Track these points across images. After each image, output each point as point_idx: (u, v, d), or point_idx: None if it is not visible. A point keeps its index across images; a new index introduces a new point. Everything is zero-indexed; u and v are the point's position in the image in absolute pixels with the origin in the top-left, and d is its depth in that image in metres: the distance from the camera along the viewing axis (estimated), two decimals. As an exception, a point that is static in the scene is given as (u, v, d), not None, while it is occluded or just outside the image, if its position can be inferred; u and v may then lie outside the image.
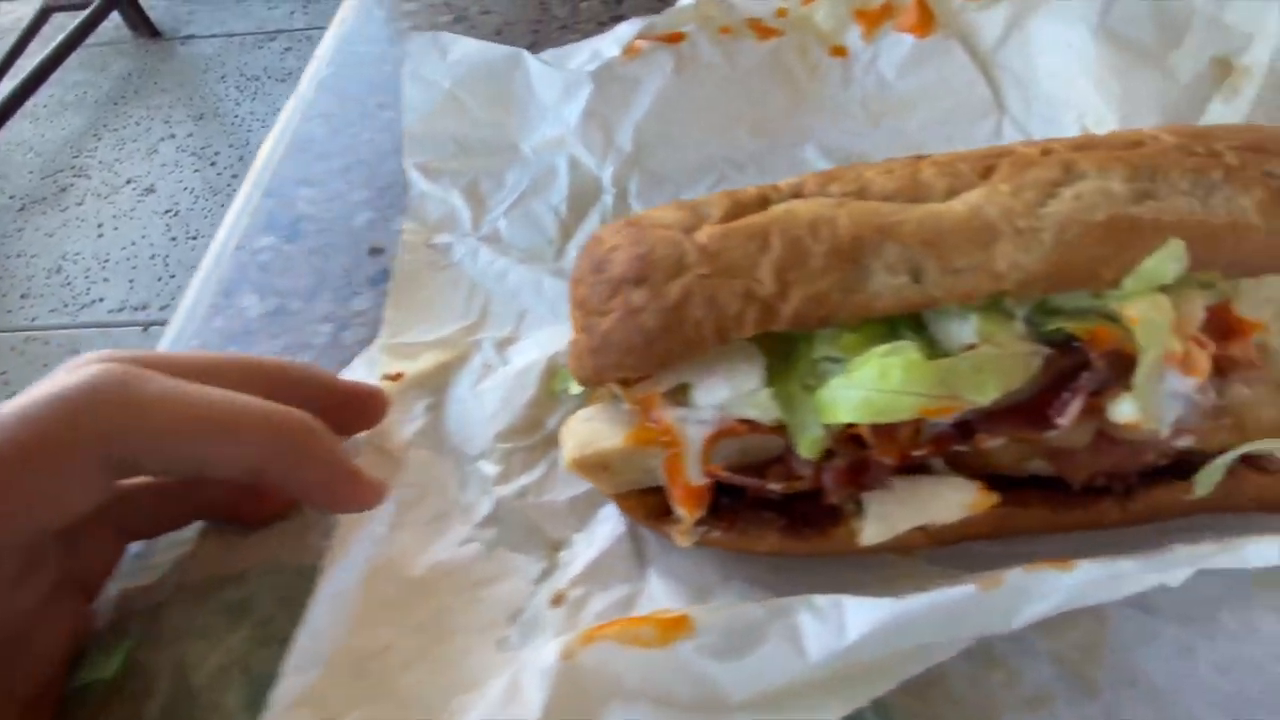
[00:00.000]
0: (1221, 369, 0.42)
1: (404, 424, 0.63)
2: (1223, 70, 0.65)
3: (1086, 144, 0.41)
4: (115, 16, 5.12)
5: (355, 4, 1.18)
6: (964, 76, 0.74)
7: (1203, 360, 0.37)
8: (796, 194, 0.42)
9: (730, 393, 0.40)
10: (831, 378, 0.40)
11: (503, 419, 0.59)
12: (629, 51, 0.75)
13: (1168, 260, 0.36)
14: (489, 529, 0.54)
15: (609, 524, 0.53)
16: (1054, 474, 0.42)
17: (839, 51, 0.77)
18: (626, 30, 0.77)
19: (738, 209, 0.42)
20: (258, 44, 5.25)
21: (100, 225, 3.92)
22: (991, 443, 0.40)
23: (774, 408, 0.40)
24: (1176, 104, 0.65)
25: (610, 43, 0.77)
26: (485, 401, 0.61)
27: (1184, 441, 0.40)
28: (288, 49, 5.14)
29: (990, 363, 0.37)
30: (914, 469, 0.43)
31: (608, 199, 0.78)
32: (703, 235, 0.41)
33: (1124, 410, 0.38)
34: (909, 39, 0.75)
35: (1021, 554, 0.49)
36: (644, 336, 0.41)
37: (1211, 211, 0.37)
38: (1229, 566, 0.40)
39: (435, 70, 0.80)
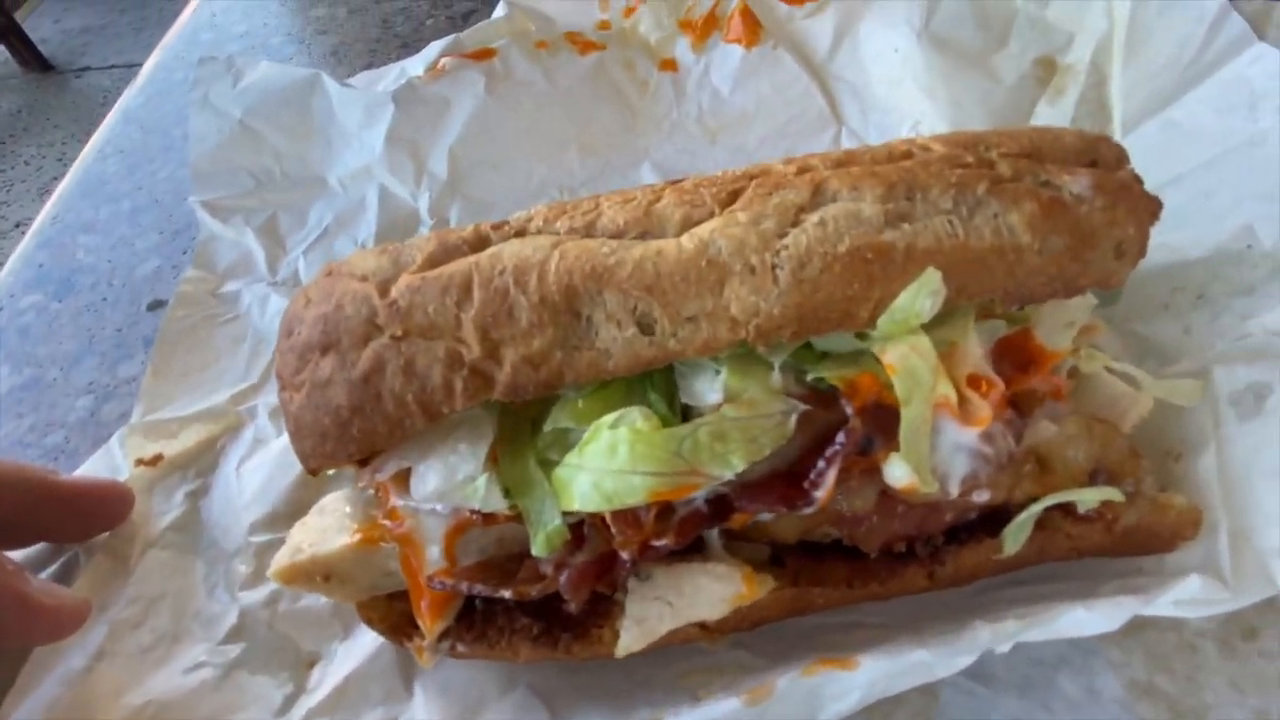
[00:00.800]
0: (1022, 406, 0.36)
1: (159, 517, 0.53)
2: (1047, 70, 0.62)
3: (848, 159, 0.35)
4: (3, 51, 4.80)
5: (181, 28, 1.08)
6: (798, 87, 0.69)
7: (983, 408, 0.32)
8: (521, 231, 0.35)
9: (442, 480, 0.33)
10: (570, 453, 0.33)
11: (261, 505, 0.50)
12: (433, 71, 0.68)
13: (921, 295, 0.30)
14: (231, 646, 0.45)
15: (378, 627, 0.45)
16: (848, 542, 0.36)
17: (669, 65, 0.71)
18: (433, 48, 0.69)
19: (444, 253, 0.34)
20: (161, 75, 4.98)
21: (-16, 275, 3.61)
22: (757, 518, 0.33)
23: (496, 496, 0.33)
24: (1003, 107, 0.62)
25: (417, 62, 0.70)
26: (246, 484, 0.52)
27: (981, 497, 0.34)
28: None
29: (735, 428, 0.31)
30: (690, 548, 0.36)
31: (425, 231, 0.71)
32: (397, 288, 0.33)
33: (896, 473, 0.32)
34: (739, 50, 0.70)
35: (842, 625, 0.43)
36: (335, 417, 0.33)
37: (975, 232, 0.32)
38: (1039, 639, 0.34)
39: (226, 98, 0.71)
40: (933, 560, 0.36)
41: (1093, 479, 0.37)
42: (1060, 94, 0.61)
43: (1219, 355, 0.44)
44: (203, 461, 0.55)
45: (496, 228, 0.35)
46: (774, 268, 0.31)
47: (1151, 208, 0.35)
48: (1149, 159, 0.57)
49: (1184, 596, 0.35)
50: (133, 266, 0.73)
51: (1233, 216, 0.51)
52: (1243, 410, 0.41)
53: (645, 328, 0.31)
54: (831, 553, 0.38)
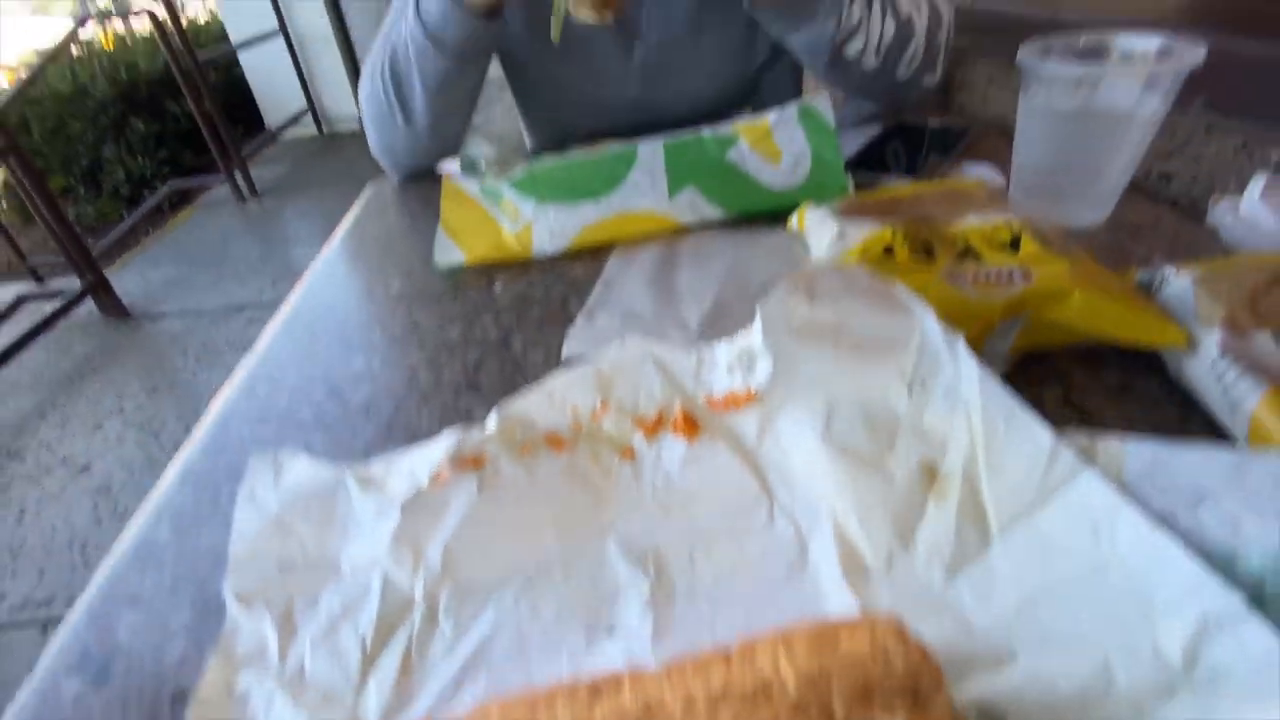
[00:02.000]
0: None
1: None
2: (930, 475, 0.75)
3: (722, 693, 0.45)
4: (89, 301, 5.48)
5: (239, 380, 1.31)
6: (734, 471, 0.84)
7: None
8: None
9: None
10: None
11: None
12: (436, 481, 0.84)
13: None
14: None
15: None
16: None
17: (628, 453, 0.87)
18: (438, 452, 0.87)
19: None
20: (225, 317, 5.69)
21: (23, 510, 3.79)
22: None
23: None
24: (899, 506, 0.74)
25: (422, 464, 0.87)
26: None
27: None
28: (252, 320, 5.58)
29: None
30: None
31: (417, 615, 0.81)
32: None
33: None
34: (684, 441, 0.86)
35: None
36: None
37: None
38: None
39: (268, 493, 0.87)
40: None
41: None
42: (944, 498, 0.73)
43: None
44: None
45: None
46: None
47: (964, 750, 0.43)
48: (1024, 568, 0.68)
49: None
50: (161, 649, 0.81)
51: (1095, 645, 0.58)
52: None
53: None
54: None
